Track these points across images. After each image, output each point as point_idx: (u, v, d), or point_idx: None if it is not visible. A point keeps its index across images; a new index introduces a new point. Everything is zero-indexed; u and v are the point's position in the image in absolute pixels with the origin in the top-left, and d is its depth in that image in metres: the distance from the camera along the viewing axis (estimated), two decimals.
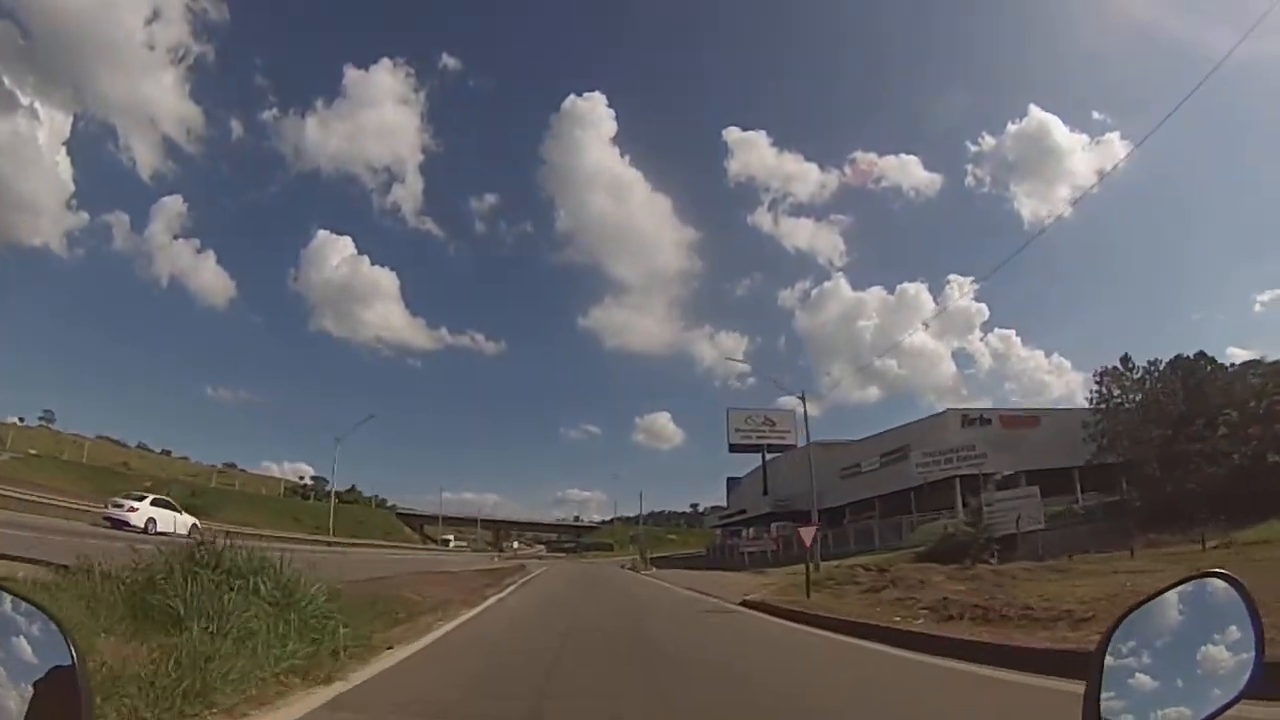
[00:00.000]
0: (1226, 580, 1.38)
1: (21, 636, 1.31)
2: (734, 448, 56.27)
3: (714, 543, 66.95)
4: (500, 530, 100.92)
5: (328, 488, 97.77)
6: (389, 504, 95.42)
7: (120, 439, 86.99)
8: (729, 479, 69.97)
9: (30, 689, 1.26)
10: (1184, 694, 1.30)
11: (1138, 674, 1.32)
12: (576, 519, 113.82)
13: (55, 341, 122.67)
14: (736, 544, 50.68)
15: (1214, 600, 1.38)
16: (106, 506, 27.70)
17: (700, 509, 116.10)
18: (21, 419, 74.43)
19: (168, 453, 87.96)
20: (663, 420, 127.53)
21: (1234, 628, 1.33)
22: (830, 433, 61.69)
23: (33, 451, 54.98)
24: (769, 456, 55.70)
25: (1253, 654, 1.30)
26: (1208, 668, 1.32)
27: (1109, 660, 1.34)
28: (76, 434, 75.11)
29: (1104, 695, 1.31)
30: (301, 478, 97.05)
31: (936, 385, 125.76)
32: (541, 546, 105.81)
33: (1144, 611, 1.40)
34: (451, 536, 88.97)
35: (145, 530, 25.10)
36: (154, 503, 28.55)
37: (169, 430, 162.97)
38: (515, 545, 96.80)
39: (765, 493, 53.23)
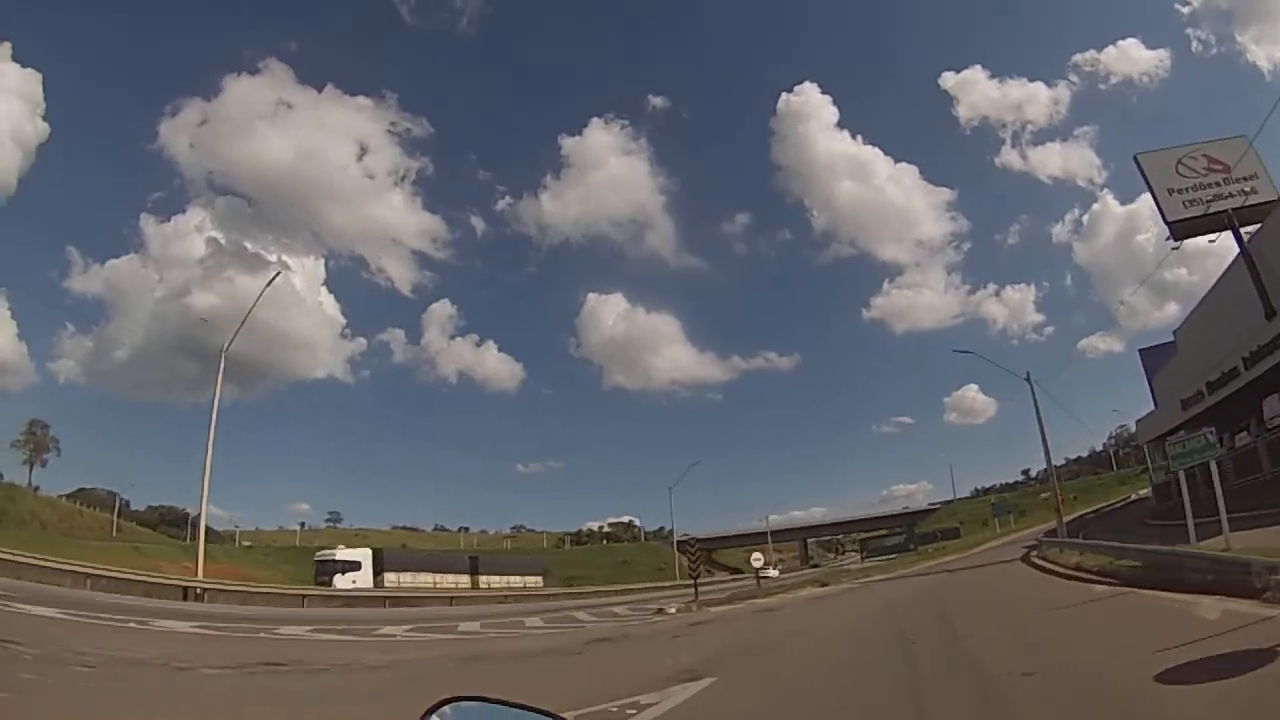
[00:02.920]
0: None
1: None
2: (1175, 229, 29.51)
3: (1172, 475, 23.85)
4: (806, 539, 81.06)
5: (637, 529, 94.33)
6: (683, 537, 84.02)
7: (413, 525, 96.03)
8: (1142, 351, 43.32)
9: None
10: None
11: None
12: (905, 509, 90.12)
13: (357, 454, 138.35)
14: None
15: None
16: (756, 569, 38.79)
17: (1032, 473, 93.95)
18: (303, 524, 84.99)
19: (465, 529, 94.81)
20: (971, 394, 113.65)
21: None
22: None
23: (246, 544, 65.33)
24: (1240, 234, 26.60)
25: None
26: None
27: None
28: (362, 528, 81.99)
29: None
30: (601, 524, 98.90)
31: None
32: (852, 556, 78.44)
33: None
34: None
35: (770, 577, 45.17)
36: (775, 565, 54.63)
37: (487, 509, 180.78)
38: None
39: (1273, 313, 24.96)
